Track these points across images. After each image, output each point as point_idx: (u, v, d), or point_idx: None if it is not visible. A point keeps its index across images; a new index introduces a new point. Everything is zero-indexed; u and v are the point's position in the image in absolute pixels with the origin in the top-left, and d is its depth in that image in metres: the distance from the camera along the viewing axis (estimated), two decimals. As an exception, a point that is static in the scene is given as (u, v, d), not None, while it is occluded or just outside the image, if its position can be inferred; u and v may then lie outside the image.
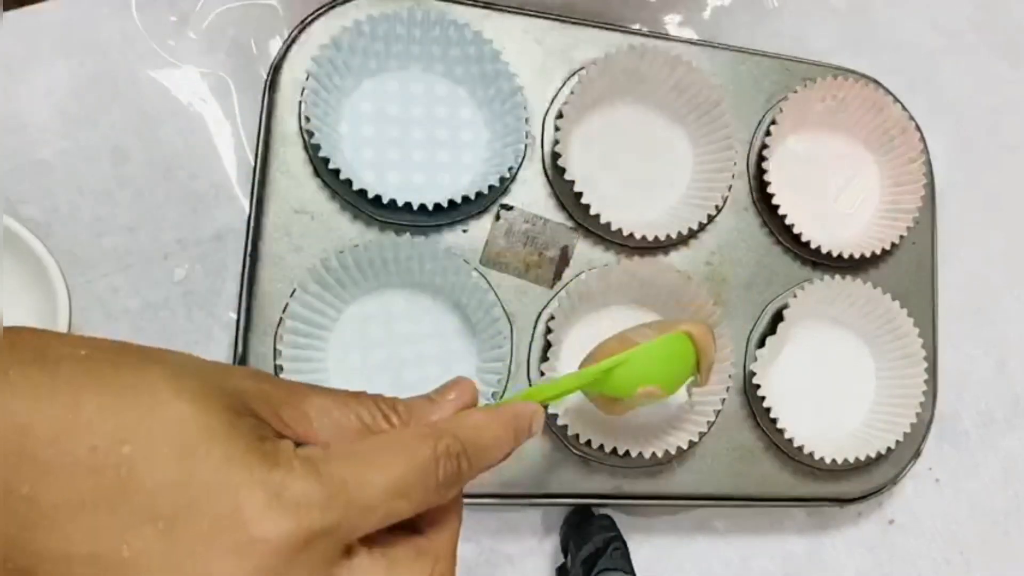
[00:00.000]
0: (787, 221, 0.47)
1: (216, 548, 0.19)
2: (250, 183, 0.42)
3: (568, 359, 0.44)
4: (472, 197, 0.42)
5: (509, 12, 0.46)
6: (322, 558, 0.20)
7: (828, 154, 0.51)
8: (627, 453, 0.43)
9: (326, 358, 0.42)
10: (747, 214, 0.48)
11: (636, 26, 0.50)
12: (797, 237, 0.47)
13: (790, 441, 0.45)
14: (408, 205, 0.41)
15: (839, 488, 0.48)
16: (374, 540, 0.22)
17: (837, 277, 0.47)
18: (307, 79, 0.42)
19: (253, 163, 0.42)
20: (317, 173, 0.43)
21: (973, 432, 0.55)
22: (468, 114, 0.45)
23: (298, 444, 0.22)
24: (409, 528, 0.24)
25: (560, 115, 0.45)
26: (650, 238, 0.45)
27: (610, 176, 0.47)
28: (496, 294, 0.43)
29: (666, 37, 0.49)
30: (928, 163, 0.51)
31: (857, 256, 0.48)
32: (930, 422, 0.50)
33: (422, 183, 0.44)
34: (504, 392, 0.43)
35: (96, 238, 0.44)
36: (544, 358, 0.43)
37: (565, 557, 0.46)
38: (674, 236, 0.45)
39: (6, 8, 0.44)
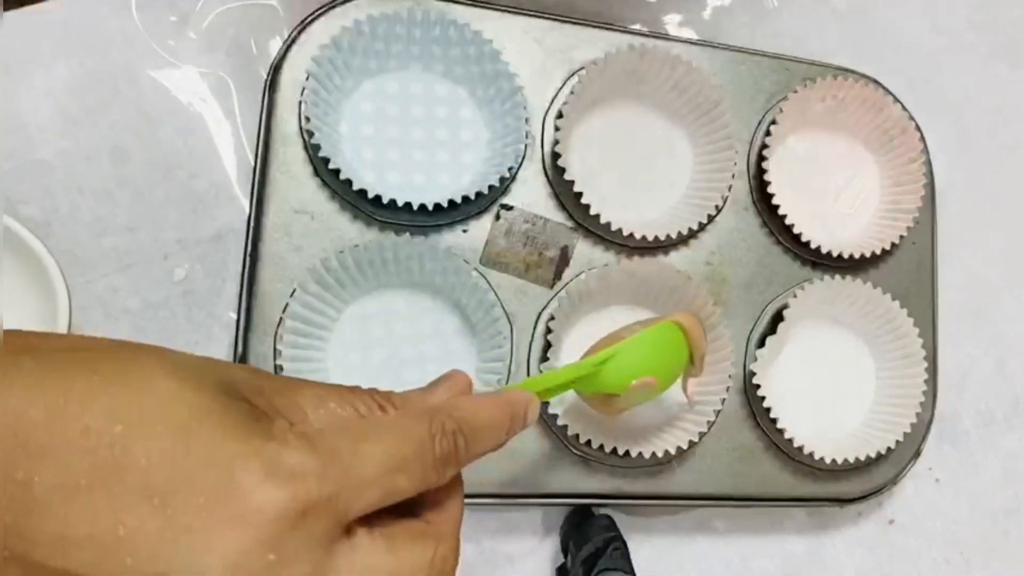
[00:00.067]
0: (787, 221, 0.47)
1: (213, 521, 0.19)
2: (250, 183, 0.42)
3: (568, 359, 0.44)
4: (472, 197, 0.42)
5: (509, 12, 0.46)
6: (321, 533, 0.20)
7: (828, 154, 0.51)
8: (627, 453, 0.43)
9: (326, 358, 0.42)
10: (747, 214, 0.48)
11: (636, 26, 0.50)
12: (797, 237, 0.47)
13: (790, 441, 0.45)
14: (408, 205, 0.41)
15: (839, 488, 0.48)
16: (374, 522, 0.22)
17: (837, 277, 0.47)
18: (307, 79, 0.42)
19: (253, 163, 0.42)
20: (317, 173, 0.43)
21: (973, 432, 0.55)
22: (468, 114, 0.45)
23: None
24: (410, 515, 0.24)
25: (560, 115, 0.45)
26: (650, 238, 0.45)
27: (610, 176, 0.47)
28: (496, 294, 0.43)
29: (666, 37, 0.49)
30: (928, 163, 0.51)
31: (857, 256, 0.48)
32: (930, 422, 0.50)
33: (422, 183, 0.44)
34: (504, 392, 0.43)
35: (96, 238, 0.44)
36: (544, 358, 0.43)
37: (565, 557, 0.46)
38: (674, 236, 0.45)
39: (6, 8, 0.44)
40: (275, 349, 0.41)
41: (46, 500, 0.18)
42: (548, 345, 0.43)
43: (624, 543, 0.44)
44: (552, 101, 0.46)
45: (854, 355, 0.50)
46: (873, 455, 0.46)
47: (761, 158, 0.47)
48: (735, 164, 0.47)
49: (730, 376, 0.44)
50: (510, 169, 0.44)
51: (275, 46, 0.47)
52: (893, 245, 0.49)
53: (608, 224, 0.44)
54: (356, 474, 0.21)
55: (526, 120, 0.44)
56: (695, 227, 0.45)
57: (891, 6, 0.57)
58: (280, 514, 0.19)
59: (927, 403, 0.49)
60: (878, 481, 0.49)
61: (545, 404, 0.42)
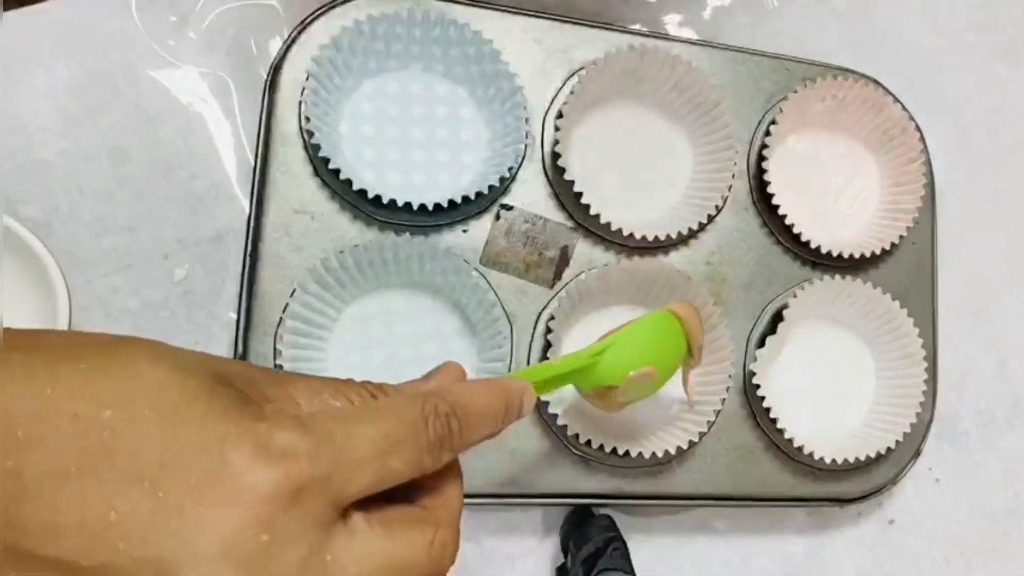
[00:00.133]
0: (787, 221, 0.47)
1: (205, 501, 0.18)
2: (250, 183, 0.42)
3: (568, 359, 0.44)
4: (472, 197, 0.42)
5: (509, 12, 0.46)
6: (315, 515, 0.20)
7: (828, 154, 0.51)
8: (627, 453, 0.43)
9: (326, 358, 0.42)
10: (747, 214, 0.48)
11: (636, 26, 0.50)
12: (797, 237, 0.47)
13: (790, 441, 0.45)
14: (408, 205, 0.41)
15: (839, 488, 0.48)
16: (371, 508, 0.22)
17: (837, 277, 0.47)
18: (307, 79, 0.42)
19: (253, 163, 0.42)
20: (317, 173, 0.43)
21: (973, 432, 0.55)
22: (468, 114, 0.45)
23: None
24: (408, 503, 0.24)
25: (560, 115, 0.45)
26: (650, 238, 0.45)
27: (610, 176, 0.47)
28: (496, 294, 0.43)
29: (666, 37, 0.49)
30: (928, 163, 0.51)
31: (857, 256, 0.48)
32: (930, 422, 0.50)
33: (422, 183, 0.44)
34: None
35: (96, 238, 0.44)
36: (544, 358, 0.43)
37: (565, 557, 0.46)
38: (674, 236, 0.45)
39: (6, 8, 0.44)
40: (275, 349, 0.41)
41: (36, 488, 0.18)
42: (548, 345, 0.43)
43: (624, 543, 0.44)
44: (552, 101, 0.46)
45: (854, 355, 0.50)
46: (873, 455, 0.46)
47: (761, 158, 0.47)
48: (735, 164, 0.47)
49: (730, 376, 0.44)
50: (510, 169, 0.44)
51: (275, 46, 0.47)
52: (893, 245, 0.49)
53: (608, 224, 0.44)
54: (349, 455, 0.21)
55: (526, 120, 0.44)
56: (695, 227, 0.45)
57: (891, 6, 0.57)
58: (272, 494, 0.19)
59: (927, 403, 0.49)
60: (878, 481, 0.49)
61: (545, 404, 0.42)
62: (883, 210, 0.51)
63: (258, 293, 0.41)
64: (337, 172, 0.41)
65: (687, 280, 0.44)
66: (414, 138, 0.44)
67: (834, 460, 0.46)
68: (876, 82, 0.51)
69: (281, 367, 0.40)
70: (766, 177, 0.47)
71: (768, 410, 0.45)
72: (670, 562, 0.49)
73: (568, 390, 0.44)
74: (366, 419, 0.22)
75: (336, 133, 0.43)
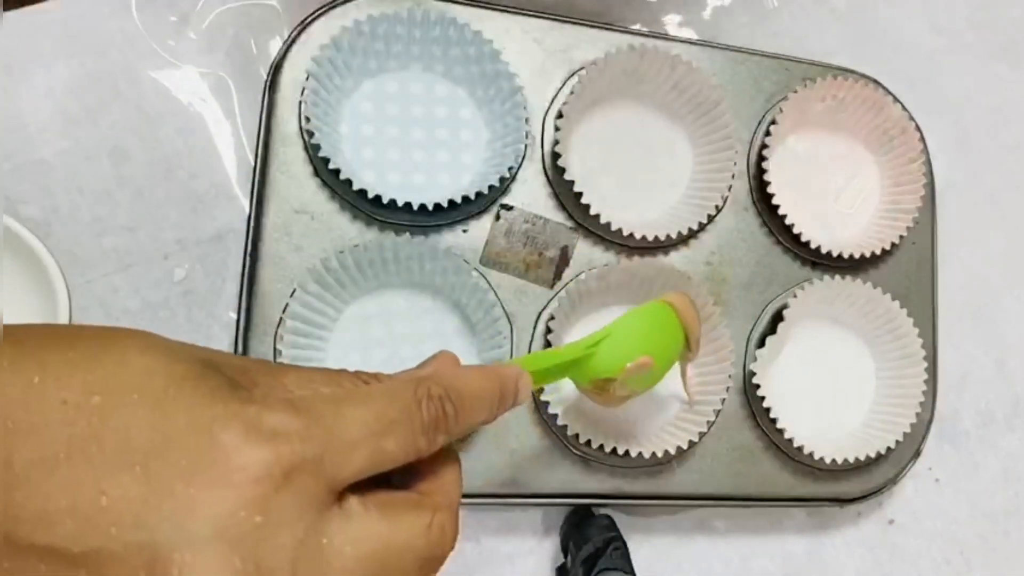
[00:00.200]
0: (787, 221, 0.47)
1: (196, 483, 0.18)
2: (250, 183, 0.42)
3: (568, 359, 0.44)
4: (472, 197, 0.42)
5: (509, 12, 0.46)
6: (309, 496, 0.20)
7: (828, 154, 0.51)
8: (627, 453, 0.43)
9: (326, 358, 0.42)
10: (747, 214, 0.48)
11: (636, 26, 0.50)
12: (797, 237, 0.47)
13: (790, 441, 0.45)
14: (408, 205, 0.41)
15: (839, 488, 0.48)
16: (367, 493, 0.22)
17: (837, 277, 0.47)
18: (307, 79, 0.42)
19: (253, 163, 0.42)
20: (317, 173, 0.43)
21: (973, 432, 0.55)
22: (468, 114, 0.45)
23: None
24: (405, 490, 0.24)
25: (560, 115, 0.45)
26: (650, 238, 0.45)
27: (610, 176, 0.47)
28: (496, 294, 0.43)
29: (666, 37, 0.49)
30: (928, 163, 0.51)
31: (857, 256, 0.48)
32: (930, 422, 0.50)
33: (422, 183, 0.44)
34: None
35: (96, 238, 0.44)
36: (544, 358, 0.43)
37: (565, 557, 0.46)
38: (674, 236, 0.45)
39: (6, 8, 0.44)
40: (275, 349, 0.41)
41: (26, 476, 0.18)
42: (548, 345, 0.43)
43: (624, 543, 0.44)
44: (552, 101, 0.46)
45: (854, 355, 0.50)
46: (873, 455, 0.46)
47: (761, 158, 0.47)
48: (735, 164, 0.47)
49: (730, 376, 0.44)
50: (510, 169, 0.44)
51: (275, 46, 0.47)
52: (893, 245, 0.49)
53: (608, 224, 0.44)
54: (341, 436, 0.20)
55: (526, 120, 0.44)
56: (695, 227, 0.45)
57: (891, 6, 0.57)
58: (264, 474, 0.19)
59: (927, 403, 0.49)
60: (878, 481, 0.49)
61: (545, 404, 0.42)
62: (883, 210, 0.51)
63: (258, 293, 0.41)
64: (337, 172, 0.41)
65: (687, 280, 0.44)
66: (414, 138, 0.44)
67: (834, 460, 0.46)
68: (876, 82, 0.51)
69: (281, 367, 0.39)
70: (766, 177, 0.47)
71: (768, 410, 0.45)
72: (670, 562, 0.49)
73: (569, 391, 0.44)
74: (359, 401, 0.22)
75: (336, 133, 0.43)
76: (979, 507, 0.54)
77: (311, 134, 0.41)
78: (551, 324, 0.43)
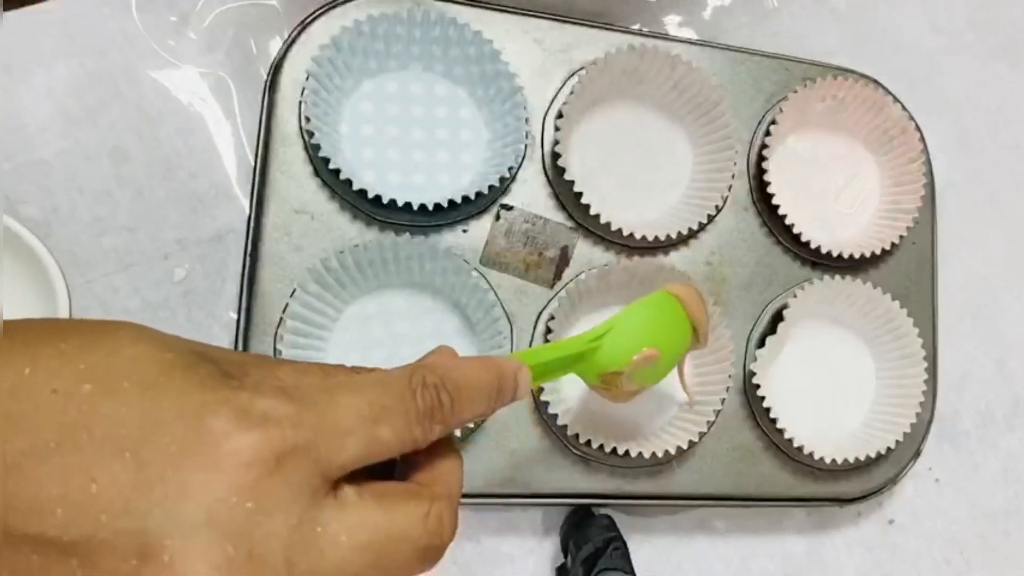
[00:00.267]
0: (787, 221, 0.47)
1: (186, 469, 0.18)
2: (250, 183, 0.42)
3: (568, 359, 0.44)
4: (472, 197, 0.42)
5: (509, 12, 0.46)
6: (301, 482, 0.19)
7: (828, 154, 0.51)
8: (627, 453, 0.43)
9: (326, 358, 0.42)
10: (747, 214, 0.48)
11: (636, 26, 0.50)
12: (797, 237, 0.47)
13: (790, 441, 0.45)
14: (408, 205, 0.41)
15: (839, 488, 0.48)
16: (363, 483, 0.21)
17: (837, 277, 0.47)
18: (307, 79, 0.42)
19: (253, 163, 0.42)
20: (317, 173, 0.43)
21: (973, 432, 0.55)
22: (468, 114, 0.45)
23: None
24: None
25: (560, 115, 0.45)
26: (650, 238, 0.45)
27: (610, 176, 0.47)
28: (496, 294, 0.43)
29: (666, 37, 0.49)
30: (928, 163, 0.51)
31: (857, 256, 0.48)
32: (930, 422, 0.50)
33: (422, 183, 0.44)
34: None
35: (96, 238, 0.44)
36: (544, 358, 0.43)
37: (565, 557, 0.46)
38: (674, 236, 0.45)
39: (6, 8, 0.44)
40: (275, 349, 0.41)
41: (18, 465, 0.18)
42: (548, 345, 0.43)
43: (624, 543, 0.44)
44: (552, 101, 0.46)
45: (854, 355, 0.50)
46: (873, 455, 0.46)
47: (761, 158, 0.47)
48: (735, 164, 0.47)
49: (730, 376, 0.44)
50: (510, 169, 0.44)
51: (275, 46, 0.47)
52: (893, 245, 0.49)
53: (608, 224, 0.44)
54: (333, 422, 0.20)
55: (526, 120, 0.44)
56: (695, 227, 0.45)
57: (891, 6, 0.57)
58: (254, 459, 0.18)
59: (927, 403, 0.49)
60: (878, 481, 0.49)
61: (545, 404, 0.42)
62: (883, 210, 0.51)
63: (258, 293, 0.41)
64: (337, 172, 0.41)
65: (687, 280, 0.44)
66: (414, 138, 0.44)
67: (834, 460, 0.46)
68: (876, 82, 0.51)
69: (281, 367, 0.39)
70: (766, 177, 0.47)
71: (768, 410, 0.45)
72: (670, 562, 0.49)
73: (569, 391, 0.44)
74: (352, 389, 0.21)
75: (336, 133, 0.43)
76: (979, 507, 0.54)
77: (311, 134, 0.41)
78: (551, 324, 0.43)
